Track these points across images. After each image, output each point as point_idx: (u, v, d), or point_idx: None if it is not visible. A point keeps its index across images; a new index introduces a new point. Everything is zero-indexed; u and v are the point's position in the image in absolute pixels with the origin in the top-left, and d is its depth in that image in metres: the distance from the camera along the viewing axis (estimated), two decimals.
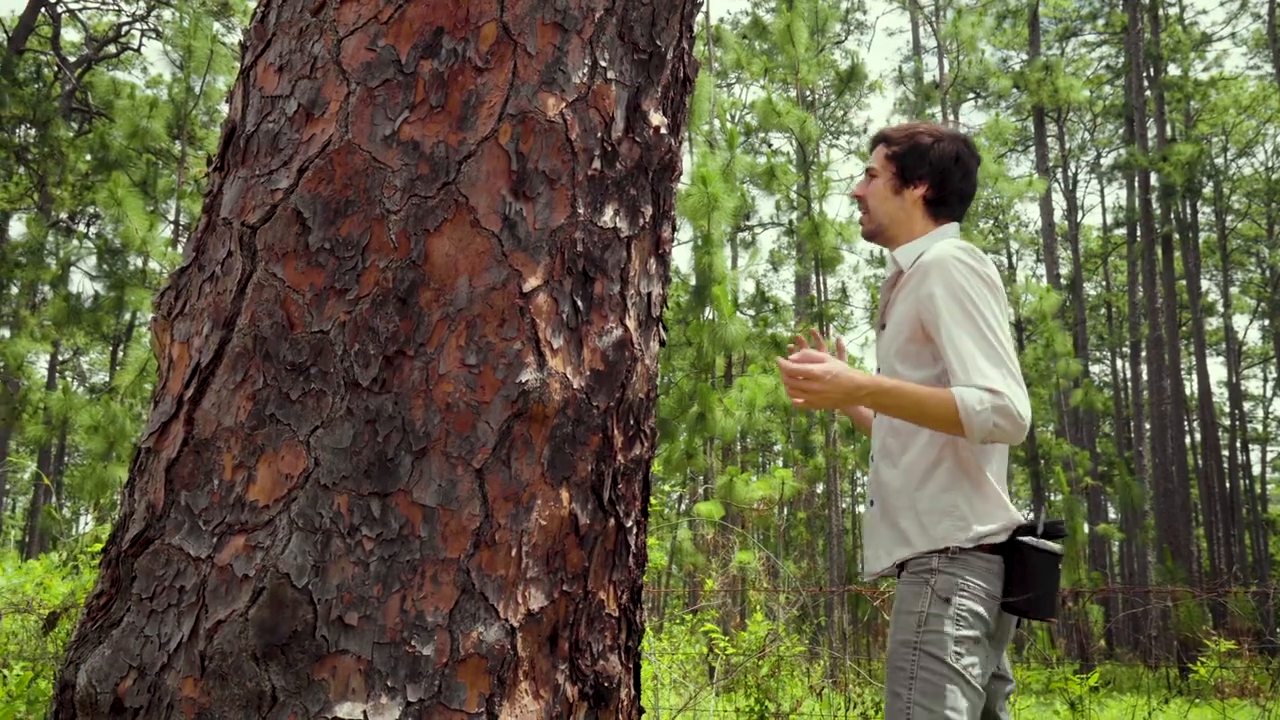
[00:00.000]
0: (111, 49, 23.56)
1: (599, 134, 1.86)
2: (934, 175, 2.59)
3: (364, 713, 1.53)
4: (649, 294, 1.96)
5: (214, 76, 15.93)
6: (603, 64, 1.89)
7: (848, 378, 2.35)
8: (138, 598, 1.64)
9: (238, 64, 1.97)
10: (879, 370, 2.57)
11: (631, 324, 1.89)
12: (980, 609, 2.32)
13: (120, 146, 15.64)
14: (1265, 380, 42.16)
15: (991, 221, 35.09)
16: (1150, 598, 16.33)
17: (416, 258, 1.70)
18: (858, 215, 2.73)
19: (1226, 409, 35.86)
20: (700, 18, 24.26)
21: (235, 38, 21.18)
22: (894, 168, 2.62)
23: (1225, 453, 34.71)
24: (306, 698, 1.52)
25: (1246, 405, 40.20)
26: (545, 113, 1.80)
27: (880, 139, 2.68)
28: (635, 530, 1.93)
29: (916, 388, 2.34)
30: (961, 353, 2.35)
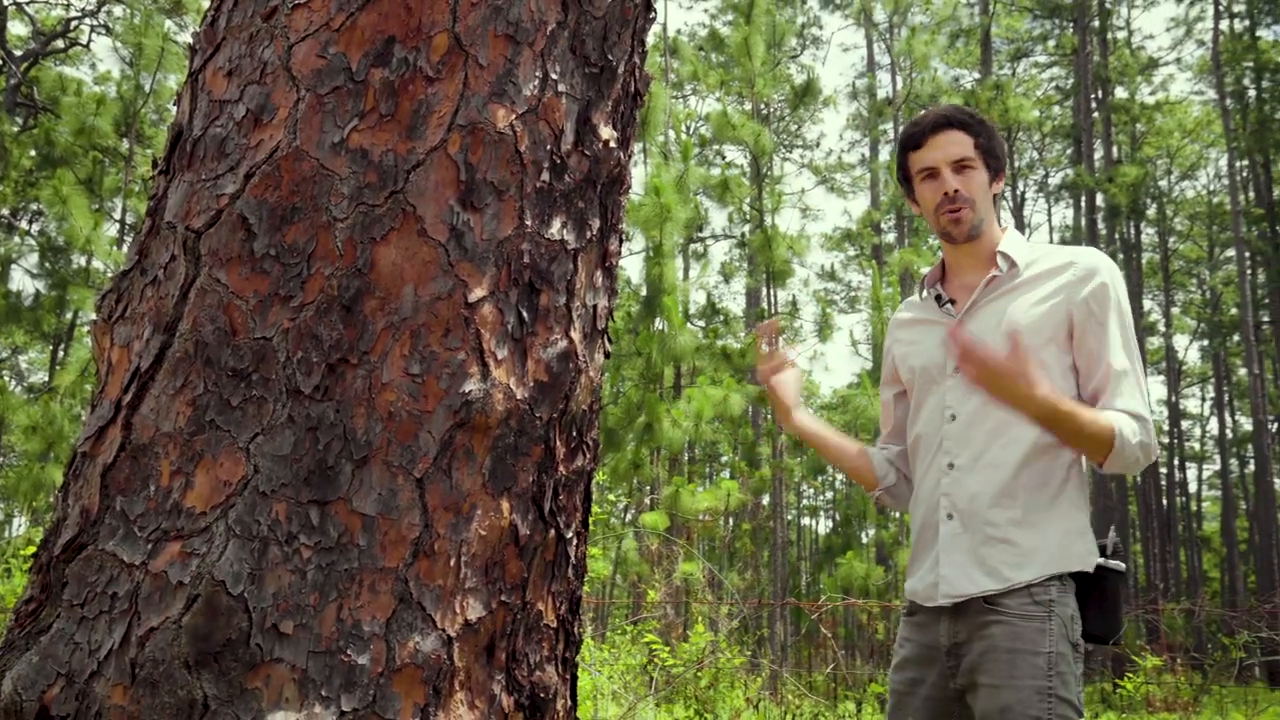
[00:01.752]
0: (60, 44, 23.22)
1: (548, 146, 1.87)
2: (1004, 170, 2.47)
3: None
4: (595, 306, 1.97)
5: (165, 75, 15.77)
6: (554, 76, 1.89)
7: (1030, 383, 2.11)
8: (68, 604, 1.62)
9: (188, 63, 1.96)
10: (956, 369, 2.37)
11: (576, 336, 1.90)
12: (1081, 641, 2.21)
13: (66, 143, 15.44)
14: (1203, 400, 42.94)
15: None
16: None
17: (362, 266, 1.70)
18: (950, 215, 2.41)
19: (1166, 427, 36.44)
20: (657, 29, 24.34)
21: (188, 36, 20.95)
22: (984, 159, 2.43)
23: (1164, 470, 35.27)
24: (239, 706, 1.51)
25: (1185, 424, 40.88)
26: (495, 124, 1.80)
27: (957, 124, 2.43)
28: (576, 542, 1.94)
29: (1083, 408, 2.18)
30: (1117, 369, 2.23)
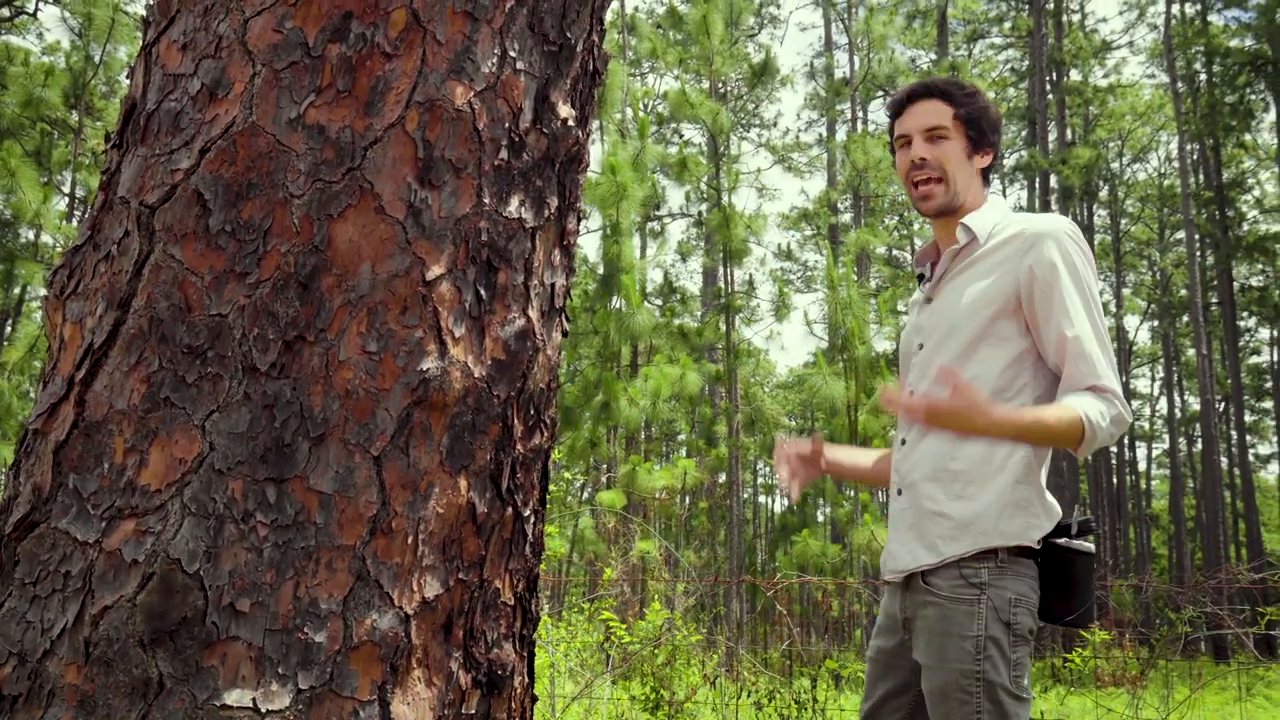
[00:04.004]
0: (5, 12, 22.77)
1: (506, 124, 1.86)
2: (998, 145, 2.40)
3: (253, 700, 1.52)
4: (552, 285, 1.97)
5: (115, 46, 15.52)
6: (512, 54, 1.89)
7: (971, 408, 2.08)
8: (20, 583, 1.61)
9: (140, 35, 1.93)
10: (920, 347, 2.37)
11: (534, 314, 1.90)
12: (1031, 622, 2.15)
13: (13, 115, 15.16)
14: (1153, 380, 43.55)
15: (896, 218, 35.66)
16: None
17: (319, 243, 1.69)
18: (918, 188, 2.37)
19: None
20: (615, 6, 24.23)
21: (138, 7, 20.63)
22: (965, 129, 2.36)
23: (1114, 449, 35.74)
24: (195, 685, 1.51)
25: (1135, 404, 41.43)
26: (453, 101, 1.79)
27: (934, 93, 2.38)
28: (533, 519, 1.94)
29: (1046, 411, 2.13)
30: (1070, 337, 2.16)
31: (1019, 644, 2.12)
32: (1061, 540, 2.20)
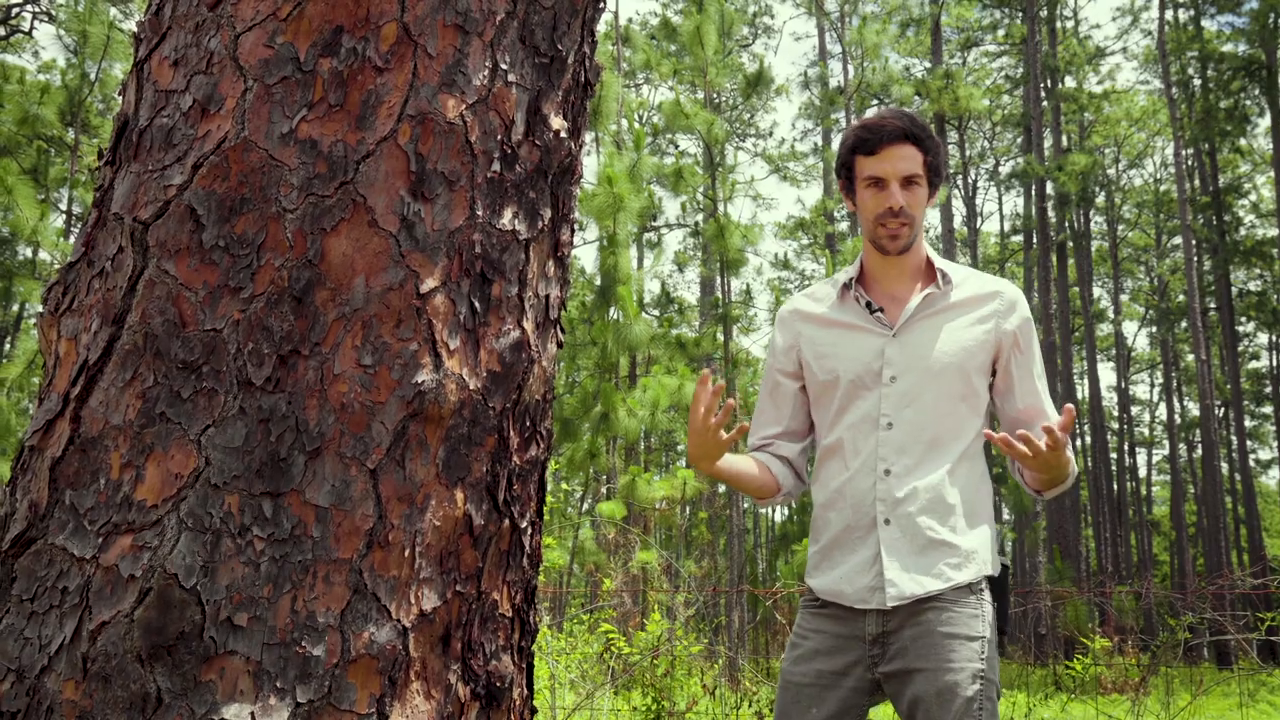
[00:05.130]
0: (0, 31, 22.82)
1: (499, 136, 1.87)
2: (941, 185, 2.50)
3: (252, 714, 1.52)
4: (547, 296, 1.98)
5: (110, 63, 15.54)
6: (503, 67, 1.89)
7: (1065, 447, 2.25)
8: (17, 599, 1.61)
9: (134, 53, 1.94)
10: (894, 379, 2.40)
11: (529, 326, 1.90)
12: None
13: (9, 133, 15.17)
14: (1152, 385, 43.58)
15: None
16: (1033, 597, 16.78)
17: (313, 257, 1.69)
18: (887, 228, 2.44)
19: (1116, 413, 36.92)
20: (609, 18, 24.29)
21: (133, 24, 20.66)
22: (929, 175, 2.44)
23: (1114, 455, 35.77)
24: (193, 699, 1.51)
25: (1134, 410, 41.49)
26: (445, 114, 1.80)
27: (913, 139, 2.41)
28: (530, 531, 1.95)
29: (1071, 455, 2.32)
30: (1045, 396, 2.46)
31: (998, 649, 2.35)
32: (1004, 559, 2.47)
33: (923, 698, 2.21)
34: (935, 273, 2.48)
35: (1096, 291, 38.17)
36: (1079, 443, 34.94)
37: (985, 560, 2.35)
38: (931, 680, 2.21)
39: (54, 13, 21.63)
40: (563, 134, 2.00)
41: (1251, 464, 35.94)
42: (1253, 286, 34.51)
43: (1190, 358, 36.17)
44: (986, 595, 2.34)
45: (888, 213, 2.40)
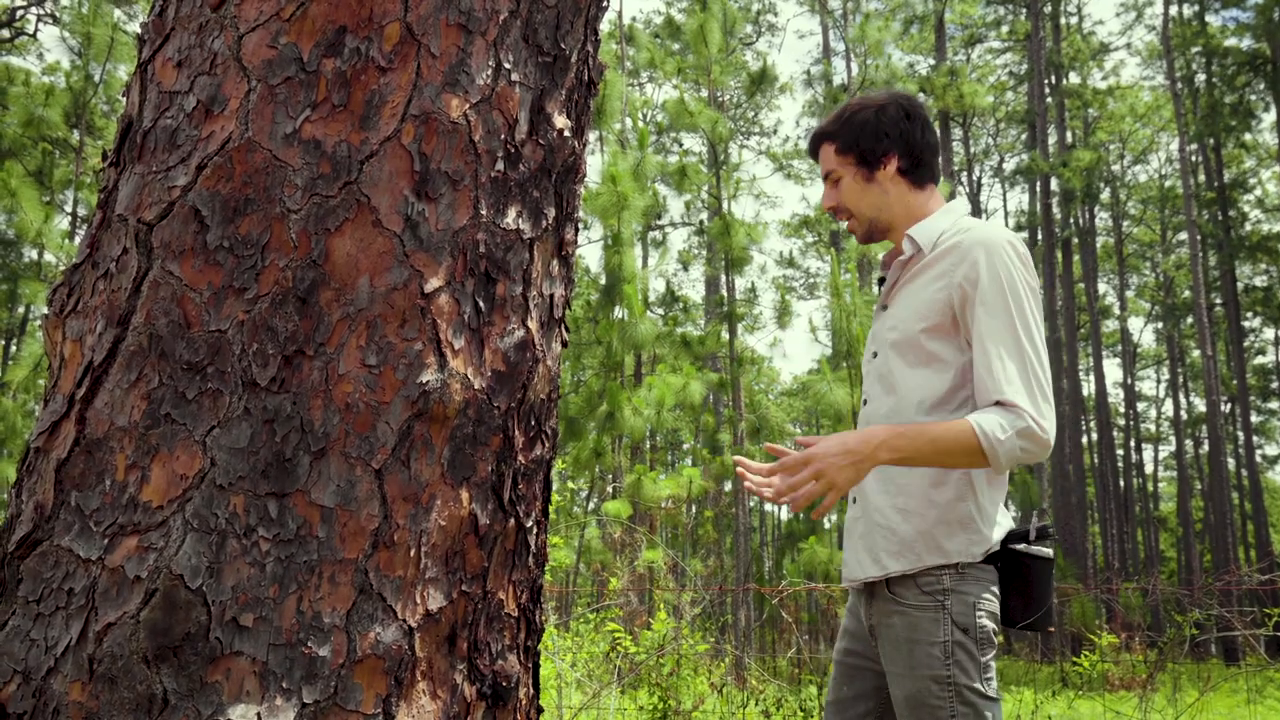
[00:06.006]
0: (5, 33, 22.85)
1: (502, 136, 1.87)
2: (898, 143, 2.35)
3: (258, 715, 1.52)
4: (551, 295, 1.98)
5: (114, 65, 15.55)
6: (507, 66, 1.89)
7: (857, 441, 2.05)
8: (24, 601, 1.61)
9: (138, 54, 1.94)
10: (875, 354, 2.35)
11: (533, 325, 1.90)
12: (994, 626, 2.16)
13: (14, 135, 15.20)
14: (1158, 381, 43.53)
15: None
16: None
17: (317, 257, 1.69)
18: (843, 227, 2.52)
19: (1122, 409, 36.88)
20: (613, 16, 24.29)
21: (137, 26, 20.67)
22: (852, 158, 2.38)
23: (1120, 452, 35.73)
24: (199, 700, 1.51)
25: (1140, 406, 41.44)
26: (448, 114, 1.80)
27: (821, 139, 2.44)
28: (535, 530, 1.94)
29: (931, 428, 2.09)
30: (991, 353, 2.12)
31: (985, 647, 2.14)
32: (1020, 546, 2.22)
33: (896, 701, 2.19)
34: (905, 240, 2.35)
35: (1102, 287, 38.13)
36: (1085, 439, 34.88)
37: (927, 549, 2.17)
38: (898, 685, 2.17)
39: (58, 15, 21.67)
40: (566, 133, 2.00)
41: (1258, 459, 35.89)
42: (1258, 281, 34.43)
43: (1196, 353, 36.09)
44: (954, 589, 2.15)
45: (830, 212, 2.47)
